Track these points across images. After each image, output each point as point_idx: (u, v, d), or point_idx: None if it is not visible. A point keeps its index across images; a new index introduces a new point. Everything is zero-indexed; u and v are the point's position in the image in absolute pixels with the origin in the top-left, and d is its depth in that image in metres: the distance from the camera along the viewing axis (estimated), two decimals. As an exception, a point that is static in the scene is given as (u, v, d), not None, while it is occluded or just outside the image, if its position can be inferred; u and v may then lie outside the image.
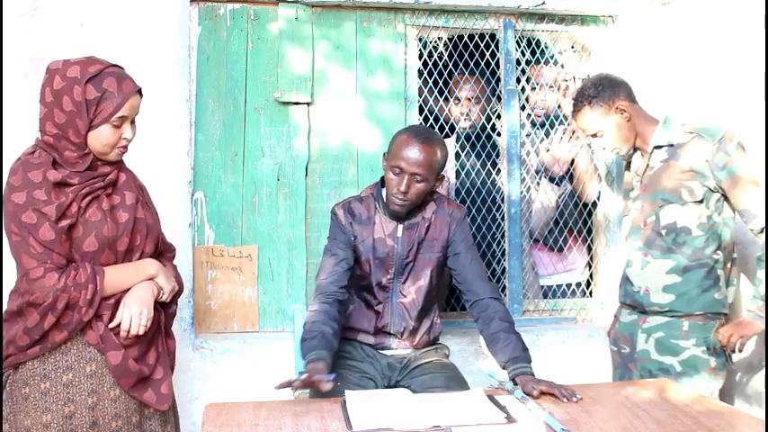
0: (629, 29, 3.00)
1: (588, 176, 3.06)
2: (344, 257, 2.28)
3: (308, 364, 1.98)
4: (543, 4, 2.94)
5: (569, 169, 3.11)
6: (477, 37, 3.05)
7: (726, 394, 2.48)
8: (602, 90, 2.41)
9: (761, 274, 2.32)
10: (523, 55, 3.05)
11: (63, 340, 1.79)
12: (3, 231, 1.81)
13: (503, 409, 1.80)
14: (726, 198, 2.35)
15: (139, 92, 1.87)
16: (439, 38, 3.01)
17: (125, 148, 1.88)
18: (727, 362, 2.38)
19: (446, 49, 3.03)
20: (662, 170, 2.39)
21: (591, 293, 3.15)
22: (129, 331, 1.83)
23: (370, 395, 1.92)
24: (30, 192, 1.75)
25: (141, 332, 1.85)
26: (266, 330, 2.84)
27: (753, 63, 2.90)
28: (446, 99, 3.15)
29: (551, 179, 3.11)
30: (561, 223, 3.10)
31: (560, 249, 3.13)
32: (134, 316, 1.83)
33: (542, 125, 3.11)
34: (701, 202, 2.33)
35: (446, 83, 3.13)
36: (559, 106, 3.13)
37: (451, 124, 3.15)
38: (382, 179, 2.34)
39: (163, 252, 2.06)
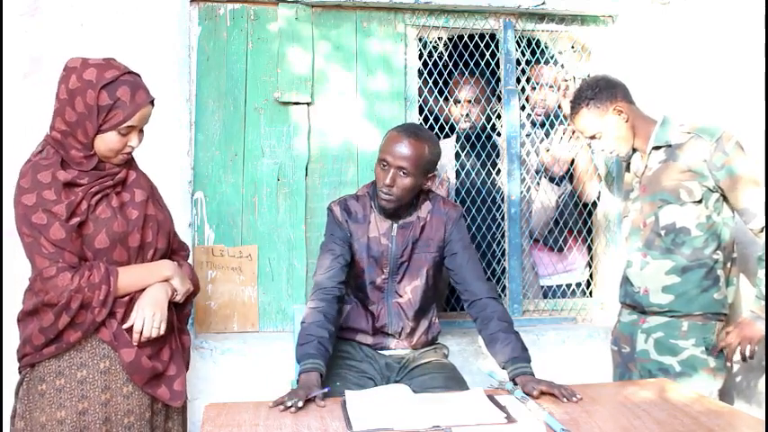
0: (629, 29, 3.00)
1: (588, 176, 3.06)
2: (341, 253, 2.28)
3: (302, 374, 1.98)
4: (543, 4, 2.94)
5: (569, 169, 3.11)
6: (477, 37, 3.05)
7: (725, 394, 2.48)
8: (600, 92, 2.41)
9: (762, 273, 2.32)
10: (523, 55, 3.05)
11: (77, 340, 1.81)
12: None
13: (503, 409, 1.80)
14: (725, 198, 2.35)
15: (152, 102, 1.87)
16: (439, 38, 3.01)
17: (129, 154, 1.89)
18: (726, 363, 2.38)
19: (446, 49, 3.03)
20: (660, 171, 2.39)
21: (591, 293, 3.15)
22: (141, 333, 1.84)
23: (370, 395, 1.92)
24: (39, 193, 1.77)
25: (154, 335, 1.86)
26: (266, 330, 2.84)
27: (753, 63, 2.90)
28: (446, 99, 3.15)
29: (551, 179, 3.11)
30: (561, 223, 3.10)
31: (560, 249, 3.13)
32: (147, 318, 1.85)
33: (542, 125, 3.11)
34: (699, 202, 2.33)
35: (446, 83, 3.13)
36: (559, 106, 3.13)
37: (451, 124, 3.15)
38: None
39: (177, 250, 2.08)
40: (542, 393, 1.93)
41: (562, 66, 3.11)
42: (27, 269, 1.89)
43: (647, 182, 2.43)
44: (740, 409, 2.33)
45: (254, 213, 2.84)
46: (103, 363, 1.84)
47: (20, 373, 1.87)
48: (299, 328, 2.16)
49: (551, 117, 3.11)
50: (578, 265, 3.17)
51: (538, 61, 3.08)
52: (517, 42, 3.03)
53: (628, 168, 2.57)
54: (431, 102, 3.15)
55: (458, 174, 3.10)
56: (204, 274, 2.79)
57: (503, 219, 3.02)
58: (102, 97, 1.79)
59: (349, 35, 2.91)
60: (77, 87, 1.79)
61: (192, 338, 2.67)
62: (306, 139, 2.86)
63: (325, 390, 1.90)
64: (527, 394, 1.91)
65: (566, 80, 3.11)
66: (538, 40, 3.10)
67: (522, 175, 3.02)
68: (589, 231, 3.16)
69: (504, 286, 3.02)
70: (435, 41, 3.01)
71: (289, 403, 1.79)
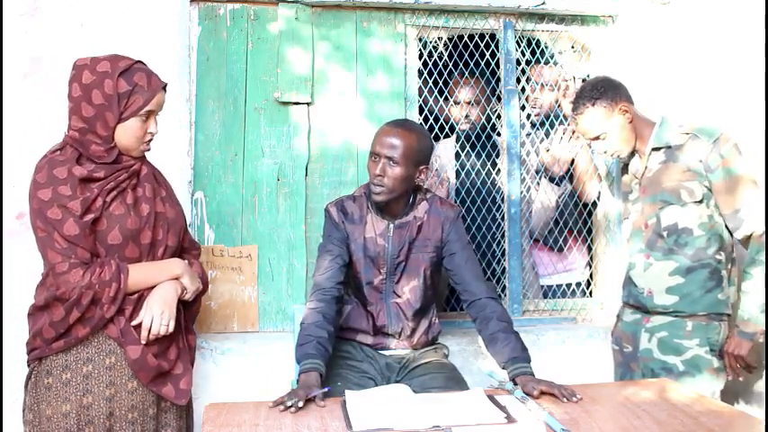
0: (629, 29, 3.00)
1: (588, 176, 3.06)
2: (339, 254, 2.29)
3: (302, 374, 1.98)
4: (543, 4, 2.94)
5: (569, 169, 3.11)
6: (477, 37, 3.05)
7: (727, 394, 2.47)
8: (605, 91, 2.38)
9: (746, 285, 2.31)
10: (523, 55, 3.05)
11: (85, 335, 1.84)
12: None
13: (503, 409, 1.80)
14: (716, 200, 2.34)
15: (164, 88, 1.93)
16: (439, 38, 3.01)
17: (149, 143, 1.94)
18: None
19: (446, 50, 3.03)
20: (661, 172, 2.39)
21: (591, 293, 3.15)
22: (150, 330, 1.85)
23: (370, 395, 1.92)
24: (55, 188, 1.79)
25: (163, 332, 1.88)
26: (266, 330, 2.84)
27: (753, 63, 2.91)
28: (446, 99, 3.16)
29: (551, 179, 3.11)
30: (561, 223, 3.10)
31: (560, 249, 3.13)
32: (156, 316, 1.87)
33: (542, 125, 3.11)
34: (700, 202, 2.33)
35: (446, 83, 3.13)
36: (559, 106, 3.13)
37: (451, 124, 3.15)
38: None
39: (188, 249, 2.10)
40: (542, 393, 1.93)
41: (562, 66, 3.11)
42: (33, 266, 1.90)
43: (647, 183, 2.43)
44: (740, 409, 2.33)
45: (254, 213, 2.84)
46: (109, 358, 1.86)
47: (28, 366, 1.90)
48: (299, 329, 2.16)
49: (551, 117, 3.11)
50: (578, 265, 3.17)
51: (538, 61, 3.08)
52: (517, 42, 3.03)
53: (624, 169, 2.57)
54: (431, 102, 3.15)
55: (458, 174, 3.09)
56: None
57: (503, 219, 3.02)
58: (120, 84, 1.83)
59: (349, 35, 2.91)
60: (93, 80, 1.83)
61: (195, 338, 2.69)
62: (306, 139, 2.86)
63: (325, 389, 1.90)
64: (527, 394, 1.91)
65: (566, 80, 3.12)
66: (538, 40, 3.10)
67: (522, 175, 3.02)
68: (589, 231, 3.16)
69: (504, 286, 3.02)
70: (435, 41, 3.01)
71: (289, 403, 1.79)
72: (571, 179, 3.11)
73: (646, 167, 2.43)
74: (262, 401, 1.88)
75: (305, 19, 2.86)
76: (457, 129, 3.13)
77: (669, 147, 2.38)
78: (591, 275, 3.17)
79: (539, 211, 3.11)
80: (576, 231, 3.10)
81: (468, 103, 3.08)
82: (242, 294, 2.83)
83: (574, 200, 3.11)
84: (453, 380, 2.23)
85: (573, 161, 3.09)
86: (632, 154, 2.48)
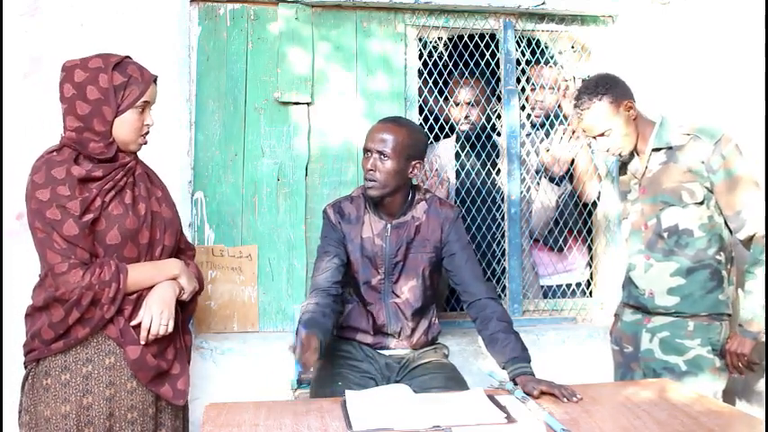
0: (629, 29, 3.00)
1: (588, 176, 3.06)
2: (336, 254, 2.30)
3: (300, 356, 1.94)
4: (543, 4, 2.94)
5: (569, 169, 3.11)
6: (477, 37, 3.05)
7: (727, 394, 2.48)
8: (611, 87, 2.35)
9: (749, 285, 2.31)
10: (523, 55, 3.05)
11: (85, 336, 1.83)
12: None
13: (503, 409, 1.80)
14: (717, 201, 2.34)
15: (155, 80, 1.95)
16: (439, 38, 3.01)
17: (146, 137, 1.94)
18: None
19: (446, 50, 3.03)
20: (661, 172, 2.38)
21: (591, 293, 3.15)
22: (149, 330, 1.85)
23: (371, 395, 1.92)
24: (53, 188, 1.79)
25: (162, 332, 1.88)
26: (266, 330, 2.84)
27: (753, 63, 2.91)
28: (446, 99, 3.15)
29: (551, 179, 3.11)
30: (561, 223, 3.10)
31: (560, 249, 3.13)
32: (155, 316, 1.87)
33: (542, 125, 3.11)
34: (701, 203, 2.32)
35: (446, 83, 3.13)
36: (559, 106, 3.13)
37: (451, 124, 3.15)
38: None
39: (184, 250, 2.11)
40: (542, 393, 1.93)
41: (562, 66, 3.11)
42: (33, 266, 1.89)
43: (647, 183, 2.42)
44: (741, 409, 2.33)
45: (254, 213, 2.84)
46: (109, 359, 1.86)
47: (25, 368, 1.89)
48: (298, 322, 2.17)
49: (551, 117, 3.11)
50: (578, 266, 3.17)
51: (538, 61, 3.08)
52: (517, 42, 3.03)
53: (622, 168, 2.56)
54: (431, 102, 3.15)
55: (458, 174, 3.09)
56: (204, 274, 2.78)
57: (503, 219, 3.02)
58: (115, 77, 1.85)
59: (349, 35, 2.91)
60: (86, 78, 1.83)
61: (192, 338, 2.69)
62: (306, 139, 2.86)
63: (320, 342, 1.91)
64: (527, 394, 1.91)
65: (566, 80, 3.11)
66: (538, 40, 3.10)
67: (522, 175, 3.02)
68: (589, 231, 3.16)
69: (504, 286, 3.02)
70: (435, 41, 3.01)
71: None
72: (571, 179, 3.11)
73: (646, 168, 2.42)
74: (262, 401, 1.89)
75: (305, 19, 2.86)
76: (457, 129, 3.13)
77: (670, 147, 2.37)
78: (591, 275, 3.17)
79: (539, 211, 3.11)
80: (575, 231, 3.10)
81: (468, 103, 3.08)
82: (242, 294, 2.83)
83: (574, 200, 3.11)
84: (453, 380, 2.23)
85: (573, 161, 3.09)
86: (631, 154, 2.48)
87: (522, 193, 3.02)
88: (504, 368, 2.11)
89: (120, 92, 1.85)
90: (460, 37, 3.07)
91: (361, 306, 2.36)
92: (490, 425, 1.69)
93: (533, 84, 3.08)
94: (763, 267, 2.29)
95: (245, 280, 2.83)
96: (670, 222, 2.36)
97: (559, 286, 3.13)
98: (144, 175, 1.98)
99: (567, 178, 3.12)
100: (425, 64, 3.04)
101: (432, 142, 3.10)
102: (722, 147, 2.29)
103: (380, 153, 2.24)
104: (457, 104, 3.09)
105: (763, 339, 2.34)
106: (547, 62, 3.09)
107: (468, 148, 3.10)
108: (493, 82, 3.07)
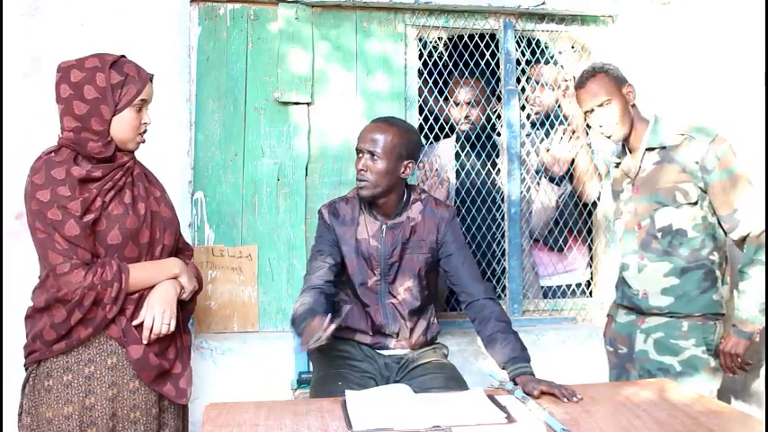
0: (629, 29, 3.00)
1: (588, 176, 3.06)
2: (330, 254, 2.31)
3: (304, 328, 1.94)
4: (543, 4, 2.94)
5: (569, 169, 3.11)
6: (477, 37, 3.05)
7: (723, 394, 2.48)
8: (617, 70, 2.40)
9: (743, 285, 2.31)
10: (523, 55, 3.05)
11: (87, 337, 1.83)
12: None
13: (503, 409, 1.80)
14: (711, 202, 2.34)
15: (151, 79, 1.95)
16: (439, 38, 3.01)
17: (144, 135, 1.94)
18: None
19: (446, 50, 3.03)
20: (655, 172, 2.38)
21: (591, 293, 3.15)
22: (152, 330, 1.86)
23: (371, 395, 1.92)
24: (54, 189, 1.79)
25: (164, 331, 1.88)
26: (266, 330, 2.84)
27: (753, 63, 2.90)
28: (446, 99, 3.16)
29: (551, 179, 3.11)
30: (561, 223, 3.10)
31: (560, 249, 3.13)
32: (157, 315, 1.87)
33: (542, 125, 3.11)
34: (695, 203, 2.32)
35: (446, 83, 3.13)
36: (559, 106, 3.13)
37: (451, 124, 3.15)
38: None
39: (182, 250, 2.11)
40: (543, 393, 1.93)
41: (562, 66, 3.11)
42: (33, 267, 1.89)
43: (640, 183, 2.42)
44: (740, 409, 2.33)
45: (254, 213, 2.84)
46: (111, 359, 1.85)
47: (26, 369, 1.89)
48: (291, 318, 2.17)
49: (551, 117, 3.11)
50: (578, 266, 3.17)
51: (538, 61, 3.08)
52: (517, 42, 3.04)
53: (617, 166, 2.55)
54: (431, 102, 3.15)
55: (458, 174, 3.10)
56: (204, 274, 2.78)
57: (503, 219, 3.02)
58: (113, 76, 1.85)
59: (349, 35, 2.91)
60: (83, 77, 1.83)
61: (192, 338, 2.69)
62: (306, 139, 2.86)
63: (329, 317, 1.90)
64: (527, 394, 1.91)
65: (566, 80, 3.12)
66: (538, 40, 3.10)
67: (522, 175, 3.02)
68: (589, 231, 3.16)
69: (504, 286, 3.02)
70: (435, 41, 3.01)
71: (315, 337, 1.82)
72: (571, 179, 3.11)
73: (639, 167, 2.42)
74: (262, 401, 1.89)
75: (305, 19, 2.86)
76: (457, 129, 3.13)
77: (664, 147, 2.37)
78: (591, 275, 3.17)
79: (539, 211, 3.11)
80: (576, 231, 3.10)
81: (468, 103, 3.08)
82: (242, 294, 2.83)
83: (574, 200, 3.11)
84: (453, 380, 2.23)
85: (573, 161, 3.09)
86: (624, 152, 2.48)
87: (522, 193, 3.02)
88: (503, 368, 2.11)
89: (117, 90, 1.85)
90: (460, 37, 3.07)
91: (358, 307, 2.36)
92: (490, 425, 1.69)
93: (533, 83, 3.08)
94: (759, 267, 2.29)
95: (245, 280, 2.83)
96: (664, 223, 2.36)
97: (559, 287, 3.13)
98: (142, 175, 1.98)
99: (567, 178, 3.12)
100: (425, 64, 3.04)
101: (432, 142, 3.10)
102: (716, 147, 2.28)
103: (371, 153, 2.24)
104: (457, 104, 3.10)
105: (758, 339, 2.35)
106: (547, 62, 3.09)
107: (468, 148, 3.10)
108: (493, 82, 3.08)
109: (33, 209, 1.80)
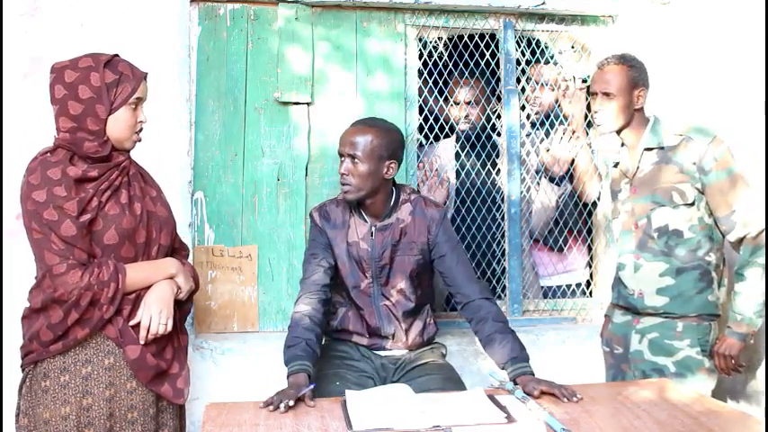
0: (629, 29, 3.00)
1: (588, 176, 3.06)
2: (324, 257, 2.31)
3: (290, 375, 1.99)
4: (543, 4, 2.94)
5: (569, 169, 3.11)
6: (476, 37, 3.05)
7: (719, 395, 2.48)
8: (643, 70, 2.40)
9: (739, 286, 2.31)
10: (523, 55, 3.05)
11: (84, 337, 1.83)
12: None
13: (503, 408, 1.80)
14: (708, 203, 2.34)
15: (145, 77, 1.95)
16: (439, 38, 3.01)
17: (140, 134, 1.94)
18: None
19: (446, 50, 3.03)
20: (653, 173, 2.38)
21: (591, 293, 3.15)
22: (149, 330, 1.85)
23: (371, 395, 1.92)
24: (50, 189, 1.78)
25: (161, 331, 1.88)
26: (266, 330, 2.84)
27: (753, 63, 2.91)
28: (446, 99, 3.16)
29: (551, 179, 3.11)
30: (561, 223, 3.10)
31: (560, 249, 3.13)
32: (154, 315, 1.87)
33: (542, 124, 3.11)
34: (692, 204, 2.32)
35: (446, 83, 3.13)
36: (559, 106, 3.13)
37: (451, 124, 3.15)
38: None
39: (178, 250, 2.10)
40: (543, 393, 1.93)
41: (562, 66, 3.11)
42: (32, 267, 1.89)
43: (638, 183, 2.42)
44: (739, 409, 2.33)
45: (254, 213, 2.84)
46: (108, 359, 1.85)
47: (22, 370, 1.88)
48: (287, 332, 2.17)
49: (551, 117, 3.11)
50: (578, 266, 3.17)
51: (538, 61, 3.08)
52: (517, 42, 3.04)
53: (615, 165, 2.56)
54: (431, 102, 3.15)
55: (458, 174, 3.10)
56: (204, 274, 2.79)
57: (503, 219, 3.02)
58: (107, 75, 1.84)
59: (349, 35, 2.91)
60: (77, 77, 1.83)
61: (192, 338, 2.69)
62: (306, 139, 2.86)
63: (311, 386, 1.91)
64: (527, 394, 1.91)
65: (566, 80, 3.12)
66: (538, 40, 3.10)
67: (522, 175, 3.02)
68: (589, 231, 3.16)
69: (504, 286, 3.02)
70: (435, 41, 3.01)
71: (280, 405, 1.79)
72: (571, 179, 3.11)
73: (638, 168, 2.42)
74: (262, 401, 1.88)
75: (305, 19, 2.86)
76: (457, 129, 3.13)
77: (662, 147, 2.37)
78: (591, 275, 3.17)
79: (539, 211, 3.11)
80: (575, 231, 3.10)
81: (468, 103, 3.08)
82: (242, 294, 2.83)
83: (574, 200, 3.11)
84: (451, 381, 2.23)
85: (573, 161, 3.09)
86: (623, 146, 2.48)
87: (522, 193, 3.02)
88: (503, 368, 2.11)
89: (112, 89, 1.85)
90: (460, 37, 3.07)
91: (354, 309, 2.36)
92: (490, 425, 1.69)
93: (533, 83, 3.08)
94: (756, 269, 2.29)
95: (245, 280, 2.83)
96: (660, 223, 2.36)
97: (559, 287, 3.13)
98: (137, 175, 1.98)
99: (567, 178, 3.12)
100: (425, 64, 3.04)
101: (432, 142, 3.10)
102: (714, 148, 2.29)
103: (352, 156, 2.24)
104: (457, 104, 3.10)
105: (752, 342, 2.35)
106: (547, 62, 3.09)
107: (468, 148, 3.10)
108: (493, 82, 3.08)
109: (29, 209, 1.79)
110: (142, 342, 1.86)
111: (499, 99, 3.06)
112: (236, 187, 2.83)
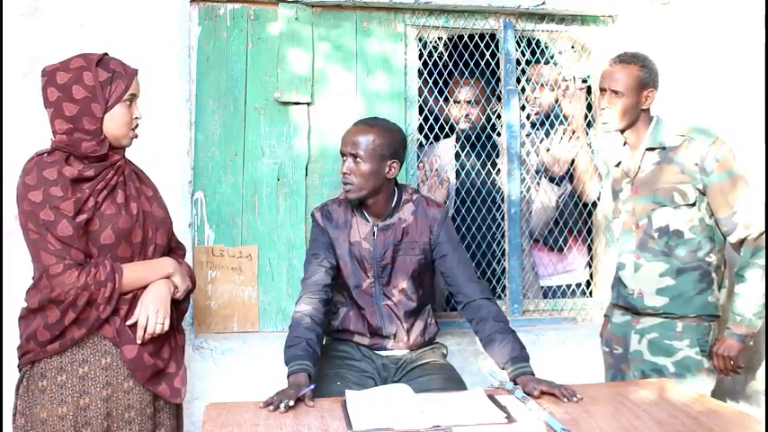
0: (629, 29, 3.00)
1: (588, 176, 3.06)
2: (325, 257, 2.31)
3: (290, 375, 1.99)
4: (543, 4, 2.94)
5: (569, 169, 3.11)
6: (477, 37, 3.05)
7: (718, 395, 2.47)
8: (653, 72, 2.38)
9: (739, 288, 2.31)
10: (523, 55, 3.05)
11: (81, 337, 1.83)
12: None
13: (503, 408, 1.80)
14: (710, 204, 2.34)
15: (136, 73, 1.95)
16: (439, 38, 3.01)
17: (136, 130, 1.94)
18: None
19: (446, 50, 3.03)
20: (654, 173, 2.38)
21: (591, 293, 3.15)
22: (146, 329, 1.85)
23: (371, 395, 1.92)
24: (46, 189, 1.78)
25: (158, 331, 1.88)
26: (266, 330, 2.84)
27: (753, 63, 2.91)
28: (446, 99, 3.16)
29: (551, 179, 3.11)
30: (561, 223, 3.10)
31: (560, 249, 3.13)
32: (151, 315, 1.87)
33: (542, 125, 3.11)
34: (693, 205, 2.32)
35: (446, 83, 3.13)
36: (559, 106, 3.13)
37: (451, 124, 3.15)
38: None
39: (174, 249, 2.11)
40: (543, 393, 1.93)
41: (562, 66, 3.11)
42: (27, 268, 1.89)
43: (639, 183, 2.42)
44: (739, 409, 2.33)
45: (254, 213, 2.84)
46: (105, 359, 1.85)
47: (19, 370, 1.88)
48: (288, 331, 2.17)
49: (551, 117, 3.11)
50: (578, 266, 3.17)
51: (538, 61, 3.08)
52: (517, 42, 3.04)
53: (617, 165, 2.56)
54: (431, 102, 3.15)
55: (458, 174, 3.10)
56: (204, 274, 2.79)
57: (503, 219, 3.02)
58: (100, 74, 1.84)
59: (349, 35, 2.91)
60: (70, 78, 1.83)
61: (192, 338, 2.69)
62: (306, 139, 2.86)
63: (312, 386, 1.91)
64: (527, 394, 1.91)
65: (565, 80, 3.12)
66: (538, 40, 3.10)
67: (522, 175, 3.02)
68: (589, 231, 3.16)
69: (504, 286, 3.02)
70: (435, 41, 3.01)
71: (281, 405, 1.79)
72: (571, 179, 3.12)
73: (639, 167, 2.42)
74: (262, 401, 1.88)
75: (305, 19, 2.86)
76: (457, 129, 3.13)
77: (664, 148, 2.37)
78: (591, 275, 3.17)
79: (539, 211, 3.11)
80: (575, 231, 3.10)
81: (468, 102, 3.08)
82: (242, 294, 2.83)
83: (574, 200, 3.11)
84: (452, 381, 2.23)
85: (573, 161, 3.09)
86: (625, 144, 2.48)
87: (522, 193, 3.02)
88: (503, 368, 2.11)
89: (106, 87, 1.85)
90: (460, 37, 3.07)
91: (355, 309, 2.36)
92: (490, 425, 1.69)
93: (533, 83, 3.09)
94: (756, 270, 2.29)
95: (245, 280, 2.83)
96: (661, 223, 2.36)
97: (559, 287, 3.13)
98: (133, 174, 1.98)
99: (567, 178, 3.12)
100: (425, 64, 3.04)
101: (432, 142, 3.10)
102: (716, 149, 2.29)
103: (354, 156, 2.24)
104: (457, 103, 3.10)
105: (751, 343, 2.35)
106: (547, 62, 3.09)
107: (468, 148, 3.10)
108: (493, 82, 3.08)
109: (26, 209, 1.79)
110: (139, 342, 1.86)
111: (499, 99, 3.06)
112: (236, 187, 2.83)
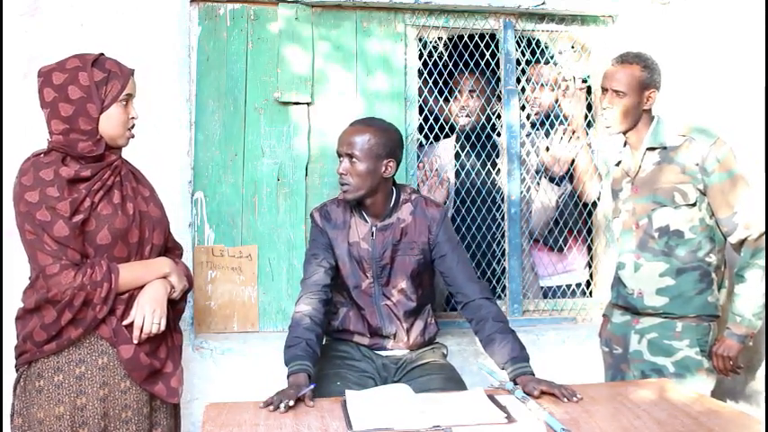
0: (629, 29, 3.00)
1: (588, 176, 3.06)
2: (325, 257, 2.31)
3: (290, 375, 1.99)
4: (543, 4, 2.94)
5: (569, 169, 3.11)
6: (477, 37, 3.05)
7: (718, 395, 2.47)
8: (655, 72, 2.37)
9: (739, 288, 2.31)
10: (523, 55, 3.05)
11: (78, 337, 1.83)
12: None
13: (503, 408, 1.80)
14: (710, 204, 2.34)
15: (132, 73, 1.95)
16: (439, 38, 3.01)
17: (132, 130, 1.94)
18: None
19: (446, 49, 3.03)
20: (655, 173, 2.38)
21: (591, 293, 3.15)
22: (142, 329, 1.85)
23: (371, 395, 1.92)
24: (42, 189, 1.78)
25: (155, 331, 1.88)
26: (266, 330, 2.84)
27: (753, 63, 2.91)
28: (446, 99, 3.16)
29: (551, 179, 3.11)
30: (561, 223, 3.10)
31: (560, 249, 3.13)
32: (147, 315, 1.87)
33: (542, 124, 3.11)
34: (693, 205, 2.32)
35: (446, 83, 3.13)
36: (559, 106, 3.13)
37: (451, 124, 3.15)
38: None
39: (171, 249, 2.10)
40: (543, 393, 1.93)
41: (562, 66, 3.11)
42: (26, 268, 1.89)
43: (640, 183, 2.42)
44: (739, 409, 2.33)
45: (254, 213, 2.84)
46: (102, 359, 1.85)
47: (17, 370, 1.88)
48: (288, 332, 2.17)
49: (551, 117, 3.11)
50: (578, 266, 3.17)
51: (538, 61, 3.08)
52: (517, 42, 3.04)
53: (617, 165, 2.55)
54: (431, 102, 3.15)
55: (458, 174, 3.10)
56: (204, 274, 2.79)
57: (503, 219, 3.02)
58: (95, 74, 1.84)
59: (349, 35, 2.91)
60: (65, 78, 1.83)
61: (192, 338, 2.69)
62: (306, 139, 2.86)
63: (312, 386, 1.91)
64: (527, 394, 1.91)
65: (565, 80, 3.12)
66: (538, 39, 3.10)
67: (522, 175, 3.02)
68: (589, 231, 3.16)
69: (504, 286, 3.02)
70: (435, 41, 3.01)
71: (280, 405, 1.79)
72: (571, 179, 3.12)
73: (639, 167, 2.42)
74: (262, 401, 1.88)
75: (305, 19, 2.86)
76: (457, 129, 3.13)
77: (664, 148, 2.37)
78: (591, 275, 3.17)
79: (539, 211, 3.11)
80: (576, 231, 3.10)
81: (472, 92, 3.07)
82: (242, 294, 2.83)
83: (574, 200, 3.11)
84: (452, 381, 2.23)
85: (573, 161, 3.09)
86: (625, 145, 2.48)
87: (522, 193, 3.02)
88: (503, 368, 2.11)
89: (102, 87, 1.85)
90: (460, 37, 3.07)
91: (355, 309, 2.36)
92: (490, 425, 1.69)
93: (533, 83, 3.09)
94: (756, 270, 2.30)
95: (245, 280, 2.83)
96: (661, 223, 2.36)
97: (559, 287, 3.13)
98: (129, 174, 1.98)
99: (567, 178, 3.12)
100: (425, 64, 3.04)
101: (432, 142, 3.10)
102: (717, 149, 2.29)
103: (350, 156, 2.24)
104: (461, 95, 3.09)
105: (751, 344, 2.35)
106: (547, 62, 3.09)
107: (468, 147, 3.10)
108: (493, 82, 3.08)
109: (22, 210, 1.79)
110: (135, 341, 1.86)
111: (499, 99, 3.06)
112: (236, 187, 2.83)
